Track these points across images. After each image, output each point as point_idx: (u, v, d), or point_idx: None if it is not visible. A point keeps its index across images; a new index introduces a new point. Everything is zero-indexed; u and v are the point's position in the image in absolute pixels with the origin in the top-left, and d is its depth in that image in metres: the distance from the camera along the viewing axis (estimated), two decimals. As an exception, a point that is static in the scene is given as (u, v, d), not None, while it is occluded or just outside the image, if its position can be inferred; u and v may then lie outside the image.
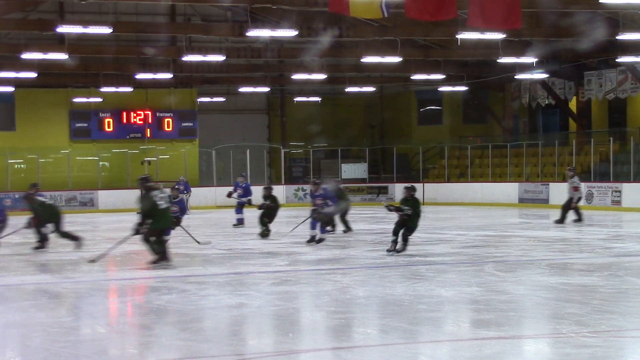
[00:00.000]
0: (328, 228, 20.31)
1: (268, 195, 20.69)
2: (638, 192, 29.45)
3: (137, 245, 18.21)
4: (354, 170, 39.77)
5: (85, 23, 25.59)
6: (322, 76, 34.27)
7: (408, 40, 30.87)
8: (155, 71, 33.08)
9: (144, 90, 38.15)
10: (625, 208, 29.17)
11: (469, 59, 34.64)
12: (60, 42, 29.84)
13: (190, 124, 39.48)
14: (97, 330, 9.92)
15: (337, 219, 20.89)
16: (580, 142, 34.26)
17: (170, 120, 39.03)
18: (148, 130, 38.72)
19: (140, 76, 33.39)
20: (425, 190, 35.82)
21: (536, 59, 31.08)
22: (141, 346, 9.00)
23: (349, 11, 19.22)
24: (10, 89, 35.50)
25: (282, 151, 39.58)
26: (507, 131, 39.14)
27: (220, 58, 30.24)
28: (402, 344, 8.76)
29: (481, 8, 18.70)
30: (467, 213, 30.29)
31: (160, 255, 15.14)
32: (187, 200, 32.07)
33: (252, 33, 24.81)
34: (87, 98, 37.50)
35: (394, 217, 16.37)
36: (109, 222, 28.40)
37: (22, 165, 37.42)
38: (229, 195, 24.97)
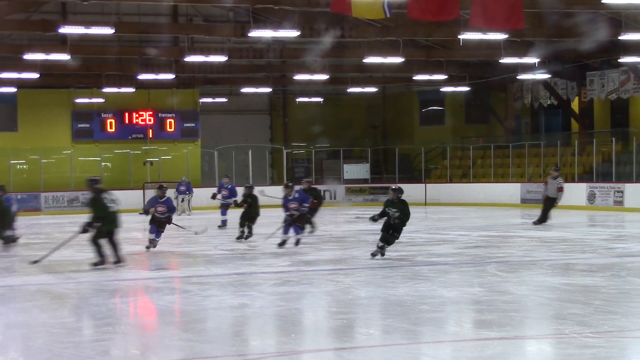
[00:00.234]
0: (309, 229, 20.25)
1: (249, 195, 20.05)
2: (641, 192, 29.42)
3: (139, 246, 18.31)
4: (356, 170, 39.78)
5: (88, 24, 25.61)
6: (324, 77, 34.27)
7: (410, 41, 30.88)
8: (158, 72, 33.11)
9: (146, 91, 38.20)
10: (627, 208, 29.13)
11: (471, 60, 34.65)
12: (63, 43, 29.84)
13: (193, 125, 39.51)
14: (100, 330, 9.92)
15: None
16: (583, 142, 34.24)
17: (172, 120, 39.07)
18: (150, 130, 38.75)
19: (143, 77, 33.41)
20: (428, 191, 35.81)
21: (538, 59, 31.06)
22: (143, 347, 9.01)
23: (351, 11, 19.24)
24: (13, 89, 35.55)
25: (285, 152, 39.60)
26: (509, 131, 39.14)
27: (222, 58, 30.26)
28: (405, 345, 8.76)
29: (483, 8, 18.71)
30: (469, 213, 30.28)
31: (103, 259, 14.85)
32: (189, 200, 32.14)
33: (254, 34, 24.81)
34: (90, 99, 37.54)
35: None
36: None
37: (25, 166, 37.47)
38: (214, 196, 24.70)
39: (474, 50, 31.07)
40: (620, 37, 25.69)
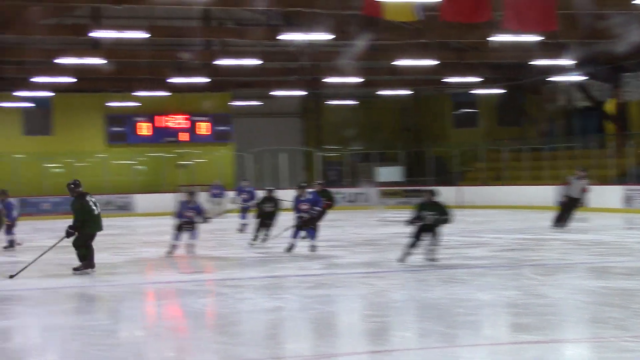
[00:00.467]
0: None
1: (269, 198, 19.73)
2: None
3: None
4: (389, 173, 39.72)
5: (120, 28, 25.73)
6: (356, 79, 34.23)
7: (442, 43, 30.76)
8: (190, 75, 33.23)
9: (179, 94, 38.34)
10: (664, 211, 28.81)
11: (504, 62, 34.45)
12: (95, 47, 30.06)
13: (226, 128, 39.63)
14: (135, 333, 9.95)
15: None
16: (618, 144, 33.92)
17: (205, 124, 39.22)
18: (183, 134, 38.92)
19: (175, 80, 33.54)
20: (462, 194, 35.64)
21: (572, 61, 30.82)
22: (178, 350, 9.01)
23: (383, 14, 19.19)
24: (48, 94, 35.83)
25: (318, 155, 39.58)
26: (542, 134, 38.86)
27: (255, 62, 30.30)
28: (440, 348, 8.70)
29: (516, 11, 18.59)
30: (503, 216, 30.11)
31: (87, 263, 14.67)
32: (223, 204, 32.16)
33: (286, 37, 24.81)
34: (123, 102, 37.75)
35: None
36: (146, 225, 28.58)
37: (59, 170, 37.75)
38: (232, 200, 24.46)
39: (506, 52, 30.89)
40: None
